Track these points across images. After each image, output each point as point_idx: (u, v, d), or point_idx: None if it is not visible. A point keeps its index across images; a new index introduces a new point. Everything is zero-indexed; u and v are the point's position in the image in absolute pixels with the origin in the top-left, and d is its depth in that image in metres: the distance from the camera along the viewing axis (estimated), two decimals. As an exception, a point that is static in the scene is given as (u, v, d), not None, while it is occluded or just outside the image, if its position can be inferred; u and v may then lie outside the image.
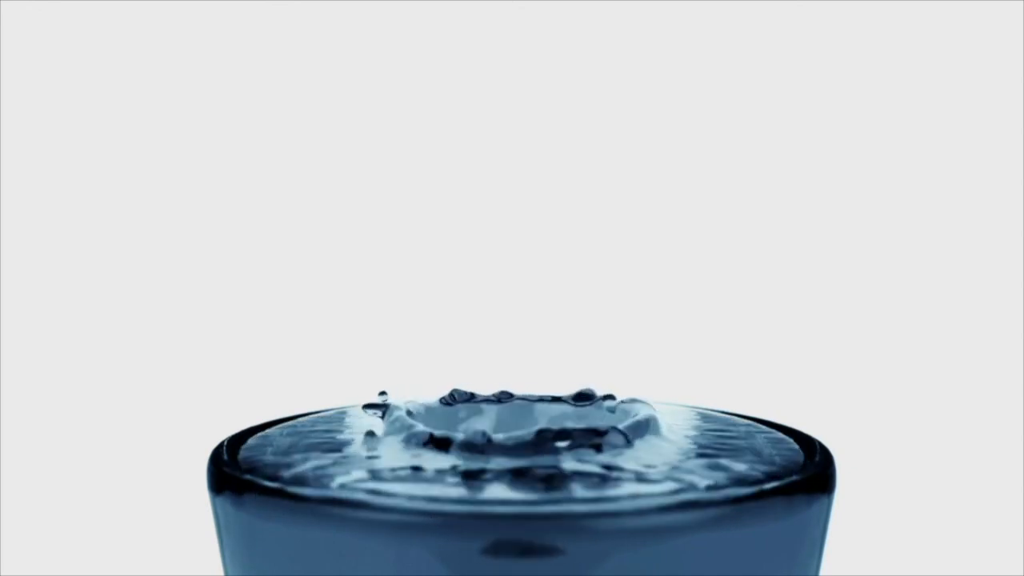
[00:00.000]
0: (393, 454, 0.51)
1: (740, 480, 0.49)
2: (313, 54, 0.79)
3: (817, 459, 0.51)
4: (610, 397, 0.57)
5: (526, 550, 0.45)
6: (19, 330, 0.80)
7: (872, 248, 0.76)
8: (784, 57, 0.78)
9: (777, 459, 0.52)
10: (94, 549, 0.74)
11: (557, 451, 0.50)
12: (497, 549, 0.45)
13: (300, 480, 0.48)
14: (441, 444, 0.51)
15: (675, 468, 0.51)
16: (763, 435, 0.55)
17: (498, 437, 0.50)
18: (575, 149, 0.75)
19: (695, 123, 0.77)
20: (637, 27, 0.76)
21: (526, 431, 0.50)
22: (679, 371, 0.59)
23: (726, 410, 0.57)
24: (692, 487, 0.48)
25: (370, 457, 0.51)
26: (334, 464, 0.50)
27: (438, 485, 0.47)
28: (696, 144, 0.77)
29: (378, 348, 0.73)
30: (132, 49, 0.79)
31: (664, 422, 0.54)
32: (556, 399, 0.57)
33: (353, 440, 0.54)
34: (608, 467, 0.50)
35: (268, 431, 0.54)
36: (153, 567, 0.72)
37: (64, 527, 0.76)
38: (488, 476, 0.48)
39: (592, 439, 0.50)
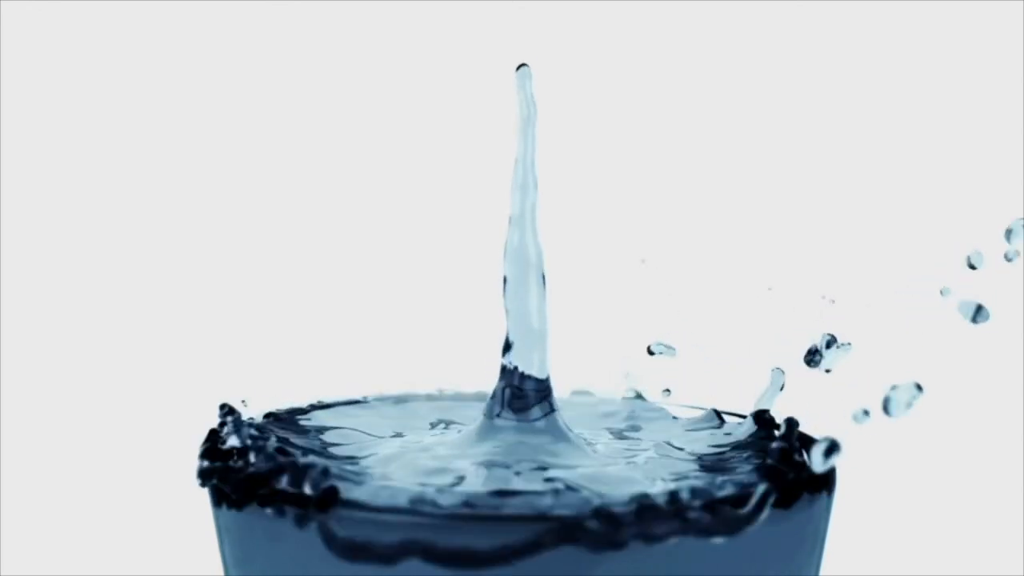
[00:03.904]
0: (395, 451, 0.51)
1: (739, 479, 0.49)
2: (294, 48, 0.79)
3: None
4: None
5: (523, 553, 0.45)
6: (8, 324, 0.80)
7: (869, 246, 0.76)
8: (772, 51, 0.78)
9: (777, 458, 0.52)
10: (94, 549, 0.74)
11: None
12: (498, 550, 0.45)
13: (301, 480, 0.48)
14: None
15: (674, 467, 0.50)
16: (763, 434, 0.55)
17: None
18: (575, 146, 0.75)
19: (686, 122, 0.77)
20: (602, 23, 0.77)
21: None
22: (679, 369, 0.59)
23: (725, 409, 0.57)
24: (691, 486, 0.48)
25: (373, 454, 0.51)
26: (336, 462, 0.50)
27: (442, 485, 0.47)
28: (694, 141, 0.77)
29: (374, 342, 0.73)
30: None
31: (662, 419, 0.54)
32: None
33: (357, 435, 0.54)
34: (606, 464, 0.50)
35: (265, 426, 0.54)
36: (153, 567, 0.72)
37: (64, 527, 0.76)
38: (487, 477, 0.48)
39: None
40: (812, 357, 0.54)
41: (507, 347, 0.51)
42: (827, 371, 0.54)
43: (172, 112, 0.80)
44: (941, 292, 0.53)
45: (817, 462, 0.46)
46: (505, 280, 0.51)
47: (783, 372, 0.55)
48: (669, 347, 0.58)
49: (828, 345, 0.54)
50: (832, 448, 0.46)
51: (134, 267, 0.80)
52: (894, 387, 0.47)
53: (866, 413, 0.47)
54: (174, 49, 0.80)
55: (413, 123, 0.78)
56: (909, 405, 0.47)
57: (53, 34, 0.81)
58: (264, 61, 0.80)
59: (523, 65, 0.52)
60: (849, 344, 0.54)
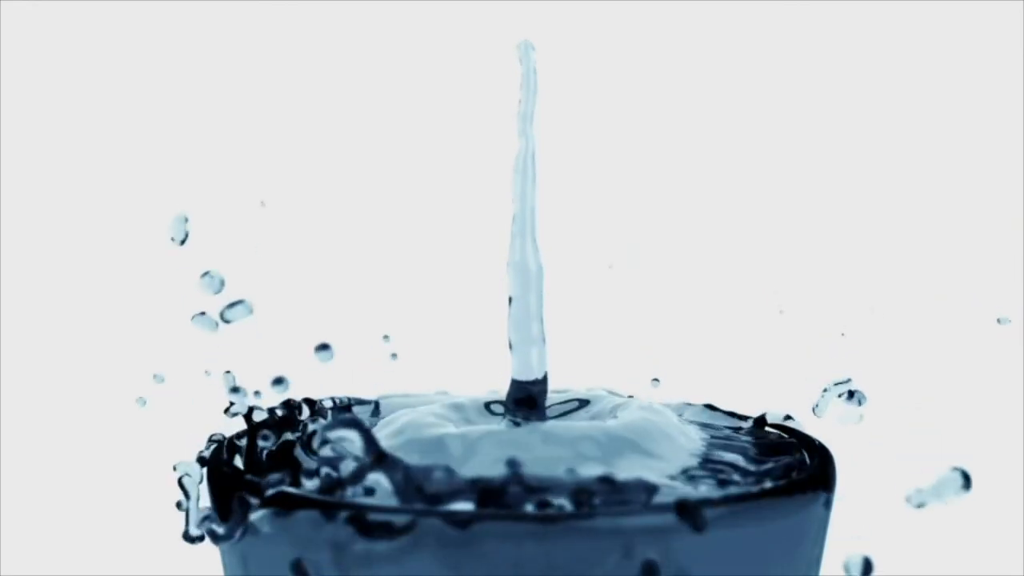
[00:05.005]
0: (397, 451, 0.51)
1: (740, 480, 0.49)
2: (302, 48, 0.79)
3: (817, 459, 0.51)
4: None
5: (527, 551, 0.45)
6: (12, 324, 0.80)
7: (868, 247, 0.76)
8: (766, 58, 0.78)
9: (777, 458, 0.52)
10: (94, 550, 0.74)
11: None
12: (502, 552, 0.45)
13: (301, 483, 0.48)
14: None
15: (674, 468, 0.51)
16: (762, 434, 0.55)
17: None
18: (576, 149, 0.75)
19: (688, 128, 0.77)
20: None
21: None
22: (678, 370, 0.59)
23: (725, 409, 0.57)
24: (692, 487, 0.48)
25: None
26: (336, 465, 0.50)
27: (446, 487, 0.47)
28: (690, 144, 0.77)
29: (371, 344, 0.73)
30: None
31: (662, 421, 0.54)
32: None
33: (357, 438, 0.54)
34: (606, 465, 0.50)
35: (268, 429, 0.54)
36: (154, 568, 0.72)
37: (64, 527, 0.76)
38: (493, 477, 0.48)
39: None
40: (821, 407, 0.55)
41: (512, 385, 0.52)
42: (839, 421, 0.55)
43: (176, 114, 0.80)
44: (999, 321, 0.53)
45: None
46: (510, 301, 0.52)
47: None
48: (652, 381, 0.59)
49: (839, 386, 0.55)
50: (868, 567, 0.47)
51: (134, 269, 0.80)
52: (940, 481, 0.48)
53: (917, 503, 0.47)
54: (176, 52, 0.80)
55: (411, 122, 0.78)
56: (953, 494, 0.47)
57: (53, 33, 0.81)
58: (265, 61, 0.80)
59: (525, 40, 0.52)
60: (864, 395, 0.55)
